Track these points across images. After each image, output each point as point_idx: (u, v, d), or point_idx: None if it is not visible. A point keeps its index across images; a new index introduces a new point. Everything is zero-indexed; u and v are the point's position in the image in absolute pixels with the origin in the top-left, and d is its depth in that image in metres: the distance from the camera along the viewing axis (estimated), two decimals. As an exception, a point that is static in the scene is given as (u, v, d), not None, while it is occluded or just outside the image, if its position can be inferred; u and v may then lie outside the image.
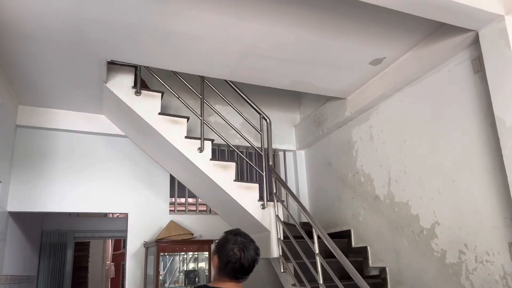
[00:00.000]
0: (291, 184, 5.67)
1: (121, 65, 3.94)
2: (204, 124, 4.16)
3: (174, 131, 4.03)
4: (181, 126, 4.08)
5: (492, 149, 2.96)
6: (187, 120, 4.15)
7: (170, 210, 4.92)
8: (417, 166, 3.68)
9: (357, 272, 2.85)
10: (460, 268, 3.18)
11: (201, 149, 4.05)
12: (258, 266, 5.13)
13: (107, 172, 4.67)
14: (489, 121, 2.97)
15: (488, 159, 3.00)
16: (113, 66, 3.94)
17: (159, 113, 4.01)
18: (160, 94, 4.10)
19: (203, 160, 4.07)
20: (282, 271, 4.02)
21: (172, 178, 4.98)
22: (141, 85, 4.01)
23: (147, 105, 3.99)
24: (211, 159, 4.10)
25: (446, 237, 3.33)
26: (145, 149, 4.79)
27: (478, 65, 3.08)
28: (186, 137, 4.04)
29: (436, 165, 3.47)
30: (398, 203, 3.90)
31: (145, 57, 3.60)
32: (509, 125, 2.68)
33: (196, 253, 4.62)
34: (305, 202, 5.56)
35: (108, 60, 3.67)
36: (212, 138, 4.28)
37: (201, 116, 4.17)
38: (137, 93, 3.97)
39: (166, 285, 4.44)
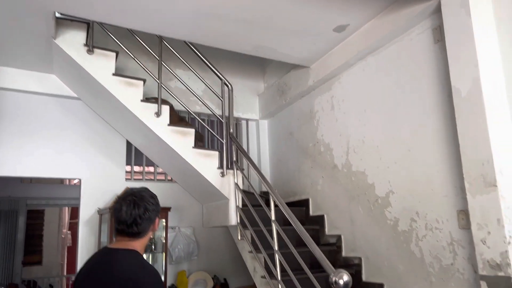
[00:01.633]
0: (253, 153, 5.64)
1: (72, 20, 3.67)
2: (163, 89, 3.99)
3: (129, 94, 3.84)
4: (137, 89, 3.89)
5: (447, 120, 2.99)
6: (144, 83, 3.96)
7: (126, 177, 4.77)
8: (376, 136, 3.70)
9: (311, 239, 2.85)
10: (410, 235, 3.26)
11: (158, 114, 3.90)
12: (216, 233, 5.10)
13: (59, 136, 4.43)
14: (446, 91, 2.99)
15: (443, 130, 3.03)
16: (63, 21, 3.67)
17: (113, 74, 3.80)
18: (114, 54, 3.87)
19: (160, 125, 3.93)
20: (239, 238, 4.00)
21: (129, 144, 4.80)
22: (93, 43, 3.77)
23: (100, 65, 3.76)
24: (169, 125, 3.96)
25: (399, 205, 3.40)
26: (99, 112, 4.58)
27: (439, 35, 3.07)
28: (142, 100, 3.87)
29: (394, 135, 3.49)
30: (355, 172, 3.93)
31: (96, 12, 3.35)
32: (465, 95, 2.70)
33: (153, 220, 4.52)
34: (267, 172, 5.54)
35: (56, 14, 3.40)
36: (171, 102, 4.13)
37: (158, 79, 3.99)
38: (90, 51, 3.72)
39: (121, 252, 4.34)
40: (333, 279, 2.31)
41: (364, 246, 3.76)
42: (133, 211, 1.70)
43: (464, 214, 2.79)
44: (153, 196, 1.83)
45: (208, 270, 4.82)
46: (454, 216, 2.90)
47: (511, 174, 2.51)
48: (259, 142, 5.69)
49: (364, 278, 3.72)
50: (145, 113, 3.87)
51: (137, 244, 1.72)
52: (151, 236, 4.57)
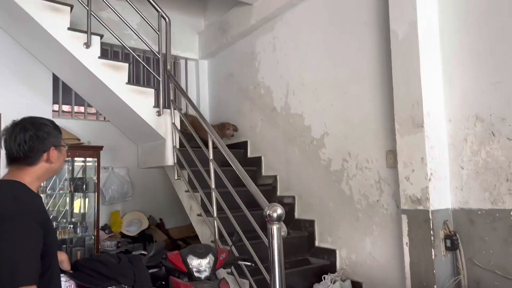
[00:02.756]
0: (192, 95, 5.47)
1: None
2: (93, 17, 3.65)
3: (54, 20, 3.46)
4: (63, 16, 3.52)
5: (383, 63, 3.05)
6: (71, 9, 3.59)
7: (53, 115, 4.44)
8: (315, 79, 3.72)
9: (247, 175, 2.87)
10: (342, 174, 3.41)
11: (87, 45, 3.59)
12: (152, 174, 4.97)
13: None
14: (384, 35, 3.03)
15: (379, 73, 3.11)
16: None
17: (35, -4, 3.39)
18: (36, -26, 3.43)
19: (90, 57, 3.62)
20: (176, 178, 3.96)
21: (56, 78, 4.43)
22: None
23: (18, -15, 3.33)
24: (99, 57, 3.67)
25: (333, 146, 3.51)
26: (21, 41, 4.13)
27: (382, -24, 3.06)
28: (69, 28, 3.52)
29: (332, 78, 3.53)
30: (293, 114, 3.97)
31: None
32: (402, 37, 2.75)
33: (84, 160, 4.32)
34: (206, 114, 5.44)
35: None
36: (102, 33, 3.80)
37: (87, 6, 3.63)
38: (5, -33, 3.27)
39: (49, 191, 4.13)
40: (267, 212, 2.36)
41: (298, 186, 3.90)
42: (18, 136, 1.50)
43: (392, 154, 2.95)
44: (46, 123, 1.60)
45: (143, 211, 4.77)
46: (383, 156, 3.06)
47: (437, 116, 2.66)
48: (199, 83, 5.52)
49: (296, 215, 3.89)
50: (73, 43, 3.53)
51: (26, 175, 1.50)
52: (83, 177, 4.40)
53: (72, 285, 2.19)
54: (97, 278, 2.24)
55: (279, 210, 2.37)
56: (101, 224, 4.37)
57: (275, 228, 2.37)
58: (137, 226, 4.55)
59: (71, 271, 2.18)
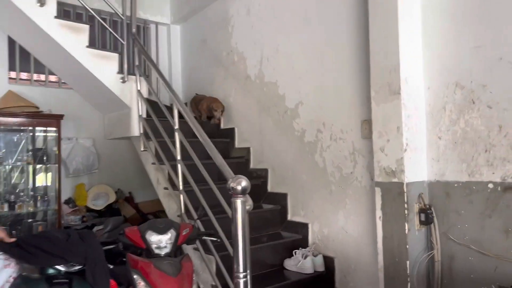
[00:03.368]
0: (163, 63, 5.18)
1: None
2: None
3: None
4: (13, -31, 3.17)
5: (361, 28, 2.84)
6: (21, -39, 3.23)
7: (10, 80, 4.12)
8: (289, 44, 3.49)
9: (213, 146, 2.67)
10: (316, 146, 3.24)
11: (41, 3, 3.26)
12: (120, 146, 4.73)
13: None
14: (363, -5, 2.81)
15: (356, 37, 2.90)
16: None
17: None
18: None
19: (45, 17, 3.30)
20: (142, 149, 3.74)
21: (13, 42, 4.09)
22: None
23: None
24: (56, 17, 3.36)
25: (307, 116, 3.33)
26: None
27: None
28: (19, -18, 3.18)
29: (308, 43, 3.31)
30: (267, 83, 3.75)
31: None
32: (381, 1, 2.54)
33: (45, 129, 4.04)
34: (178, 82, 5.18)
35: None
36: (59, -8, 3.47)
37: (40, -42, 3.28)
38: None
39: (6, 163, 3.86)
40: (231, 184, 2.18)
41: (271, 158, 3.72)
42: None
43: (367, 124, 2.78)
44: None
45: (111, 184, 4.55)
46: (358, 126, 2.89)
47: (415, 83, 2.48)
48: (171, 50, 5.22)
49: (269, 188, 3.74)
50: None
51: None
52: (44, 147, 4.14)
53: (12, 264, 1.99)
54: (40, 256, 2.03)
55: (244, 183, 2.18)
56: (64, 197, 4.15)
57: (239, 202, 2.19)
58: (104, 200, 4.34)
59: (11, 241, 1.98)
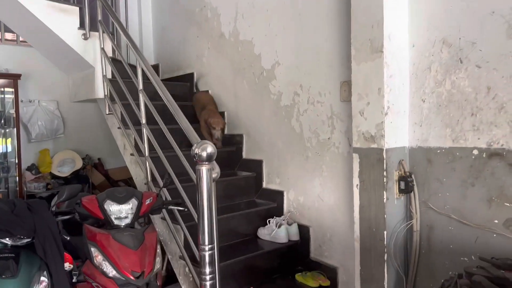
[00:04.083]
0: (133, 24, 4.80)
1: None
2: None
3: None
4: None
5: (343, -22, 2.58)
6: None
7: (-40, 36, 3.75)
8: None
9: (178, 108, 2.44)
10: (292, 110, 3.04)
11: None
12: (87, 109, 4.46)
13: None
14: None
15: (337, -10, 2.64)
16: None
17: None
18: None
19: (-10, -38, 2.94)
20: (107, 112, 3.48)
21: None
22: None
23: None
24: (3, -38, 2.99)
25: (284, 78, 3.10)
26: None
27: None
28: None
29: (285, -3, 3.04)
30: (242, 41, 3.48)
31: None
32: None
33: (1, 90, 3.72)
34: (150, 43, 4.84)
35: None
36: None
37: None
38: None
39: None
40: (195, 150, 1.97)
41: (246, 123, 3.51)
42: None
43: (347, 86, 2.58)
44: None
45: (78, 150, 4.30)
46: (337, 88, 2.69)
47: (399, 40, 2.27)
48: (141, 9, 4.84)
49: (244, 155, 3.55)
50: None
51: None
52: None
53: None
54: (-21, 229, 1.82)
55: (210, 149, 1.98)
56: (27, 164, 3.89)
57: (204, 169, 1.99)
58: (70, 167, 4.10)
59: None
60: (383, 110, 2.22)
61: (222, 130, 3.40)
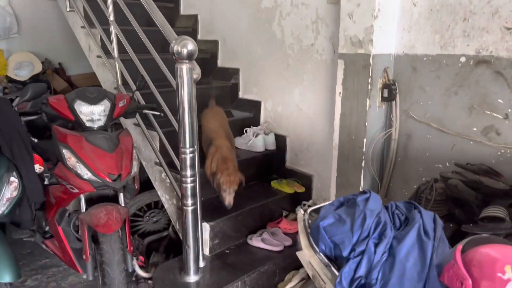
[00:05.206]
0: None
1: None
2: None
3: None
4: None
5: None
6: None
7: None
8: None
9: (153, 4, 2.21)
10: (274, 13, 2.85)
11: None
12: (45, 7, 4.02)
13: None
14: None
15: None
16: None
17: None
18: None
19: None
20: (68, 9, 3.15)
21: None
22: None
23: None
24: None
25: (266, -23, 2.86)
26: None
27: None
28: None
29: None
30: None
31: None
32: None
33: None
34: None
35: None
36: None
37: None
38: None
39: None
40: (175, 47, 1.82)
41: (222, 28, 3.30)
42: None
43: (335, -14, 2.40)
44: None
45: (36, 52, 3.94)
46: (325, -11, 2.51)
47: None
48: None
49: (219, 63, 3.39)
50: None
51: None
52: None
53: None
54: None
55: (190, 46, 1.83)
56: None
57: (184, 68, 1.86)
58: (28, 70, 3.78)
59: None
60: (374, 13, 2.10)
61: (234, 191, 2.30)
